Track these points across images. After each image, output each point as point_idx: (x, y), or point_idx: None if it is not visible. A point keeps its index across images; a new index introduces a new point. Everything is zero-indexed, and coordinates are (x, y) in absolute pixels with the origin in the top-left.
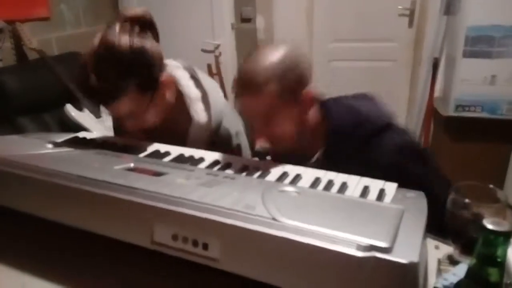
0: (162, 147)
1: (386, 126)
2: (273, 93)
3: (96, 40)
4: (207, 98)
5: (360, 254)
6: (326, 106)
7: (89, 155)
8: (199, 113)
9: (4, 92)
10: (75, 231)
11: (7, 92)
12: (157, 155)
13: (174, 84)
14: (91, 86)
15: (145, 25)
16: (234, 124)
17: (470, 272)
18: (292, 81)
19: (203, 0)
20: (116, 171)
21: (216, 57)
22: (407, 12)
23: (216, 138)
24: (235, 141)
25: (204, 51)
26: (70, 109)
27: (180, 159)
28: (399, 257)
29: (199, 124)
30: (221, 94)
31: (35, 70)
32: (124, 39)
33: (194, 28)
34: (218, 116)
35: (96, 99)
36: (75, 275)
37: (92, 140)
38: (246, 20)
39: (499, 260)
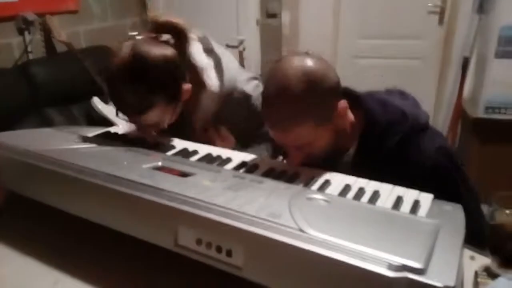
0: (191, 145)
1: (424, 126)
2: (306, 127)
3: (126, 51)
4: (221, 66)
5: (391, 274)
6: (361, 101)
7: (119, 152)
8: (212, 79)
9: (34, 83)
10: (109, 229)
11: (36, 83)
12: (185, 153)
13: (190, 90)
14: (118, 98)
15: (178, 34)
16: (250, 88)
17: None
18: (323, 107)
19: None
20: (144, 170)
21: (240, 52)
22: (438, 10)
23: (230, 102)
24: (255, 101)
25: (228, 46)
26: (96, 102)
27: (207, 158)
28: (433, 279)
29: (211, 90)
30: (234, 62)
31: (64, 63)
32: (157, 51)
33: (219, 23)
34: (231, 82)
35: (122, 111)
36: (105, 273)
37: (123, 136)
38: (271, 15)
39: None
